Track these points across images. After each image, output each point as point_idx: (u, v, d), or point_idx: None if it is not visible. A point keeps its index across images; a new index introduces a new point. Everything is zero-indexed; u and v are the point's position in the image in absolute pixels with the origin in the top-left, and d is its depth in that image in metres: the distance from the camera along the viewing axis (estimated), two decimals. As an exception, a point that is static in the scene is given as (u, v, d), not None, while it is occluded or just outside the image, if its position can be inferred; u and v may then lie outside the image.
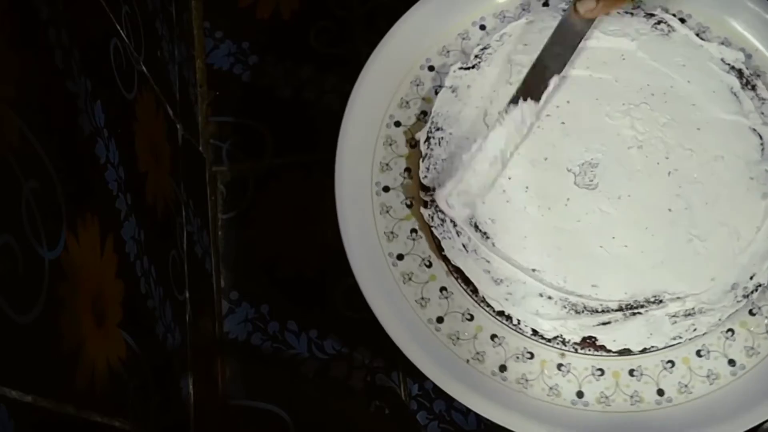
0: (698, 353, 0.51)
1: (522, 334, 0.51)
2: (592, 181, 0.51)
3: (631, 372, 0.50)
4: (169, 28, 0.56)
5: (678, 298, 0.49)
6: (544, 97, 0.51)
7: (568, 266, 0.49)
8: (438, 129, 0.53)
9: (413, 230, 0.54)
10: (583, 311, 0.49)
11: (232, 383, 0.58)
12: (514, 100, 0.50)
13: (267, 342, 0.59)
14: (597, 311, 0.49)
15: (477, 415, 0.56)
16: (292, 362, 0.58)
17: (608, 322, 0.49)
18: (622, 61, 0.54)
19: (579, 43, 0.51)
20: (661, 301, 0.49)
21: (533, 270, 0.49)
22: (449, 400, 0.57)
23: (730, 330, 0.51)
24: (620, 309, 0.49)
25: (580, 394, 0.50)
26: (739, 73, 0.54)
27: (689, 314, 0.49)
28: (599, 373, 0.51)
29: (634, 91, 0.53)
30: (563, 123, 0.52)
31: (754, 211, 0.51)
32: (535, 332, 0.50)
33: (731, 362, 0.50)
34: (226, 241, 0.62)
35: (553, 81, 0.51)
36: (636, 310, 0.49)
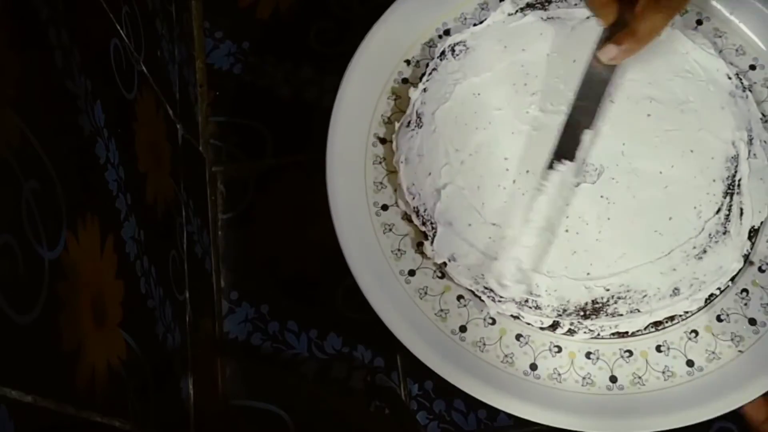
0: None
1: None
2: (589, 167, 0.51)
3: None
4: (169, 28, 0.56)
5: (736, 167, 0.51)
6: (578, 154, 0.49)
7: (661, 233, 0.50)
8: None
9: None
10: (702, 252, 0.50)
11: (232, 383, 0.58)
12: (550, 165, 0.49)
13: (267, 342, 0.59)
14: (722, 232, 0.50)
15: (477, 415, 0.56)
16: (292, 362, 0.58)
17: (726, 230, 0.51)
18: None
19: (605, 92, 0.49)
20: (735, 180, 0.50)
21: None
22: (449, 400, 0.57)
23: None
24: (727, 193, 0.50)
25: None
26: None
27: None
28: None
29: (533, 77, 0.53)
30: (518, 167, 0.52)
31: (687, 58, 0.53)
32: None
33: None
34: (226, 241, 0.62)
35: (587, 136, 0.49)
36: (732, 193, 0.51)
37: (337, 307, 0.59)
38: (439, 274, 0.53)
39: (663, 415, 0.49)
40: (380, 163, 0.55)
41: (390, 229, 0.54)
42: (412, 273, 0.53)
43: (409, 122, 0.54)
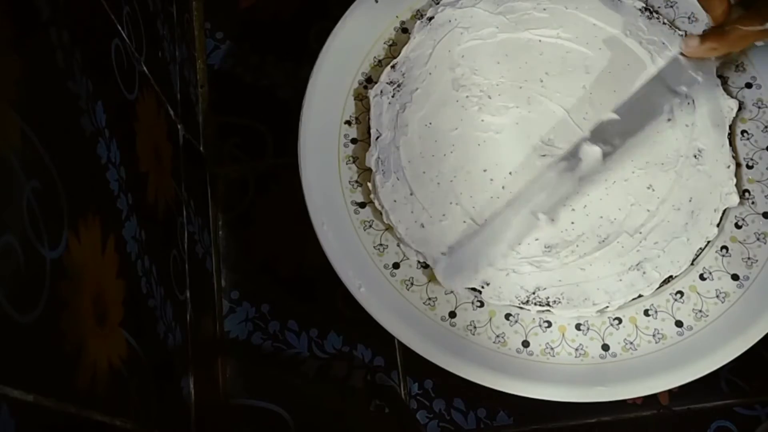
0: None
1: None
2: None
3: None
4: (170, 29, 0.56)
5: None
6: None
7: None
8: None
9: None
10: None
11: (233, 382, 0.58)
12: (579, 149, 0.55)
13: (267, 341, 0.59)
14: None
15: (476, 414, 0.56)
16: (293, 361, 0.58)
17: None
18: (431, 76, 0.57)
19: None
20: None
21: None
22: (449, 399, 0.57)
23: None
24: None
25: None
26: None
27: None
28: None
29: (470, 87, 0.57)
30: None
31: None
32: None
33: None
34: (226, 240, 0.62)
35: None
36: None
37: (337, 306, 0.59)
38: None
39: (658, 377, 0.49)
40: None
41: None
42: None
43: (380, 170, 0.55)
